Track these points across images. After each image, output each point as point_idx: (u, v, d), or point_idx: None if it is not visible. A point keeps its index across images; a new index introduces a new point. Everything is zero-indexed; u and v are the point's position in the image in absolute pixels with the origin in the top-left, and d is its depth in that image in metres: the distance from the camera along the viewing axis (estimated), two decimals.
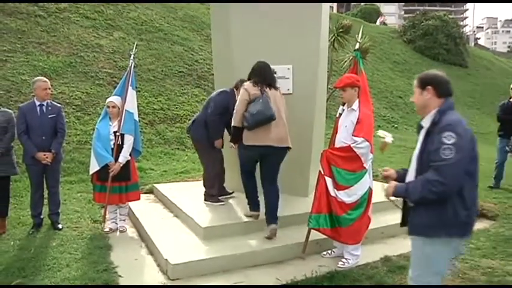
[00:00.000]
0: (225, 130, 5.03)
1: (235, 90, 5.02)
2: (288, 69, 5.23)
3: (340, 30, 10.32)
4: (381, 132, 4.02)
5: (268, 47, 5.20)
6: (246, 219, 4.60)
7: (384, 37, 24.86)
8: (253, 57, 5.26)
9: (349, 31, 10.42)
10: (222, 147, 5.09)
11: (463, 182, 2.29)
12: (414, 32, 25.54)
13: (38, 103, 4.82)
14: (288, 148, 4.35)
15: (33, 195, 4.88)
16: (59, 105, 5.08)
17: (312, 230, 4.04)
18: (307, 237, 4.10)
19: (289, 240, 4.26)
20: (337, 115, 4.25)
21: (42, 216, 4.95)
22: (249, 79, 4.44)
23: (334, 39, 10.14)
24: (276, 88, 4.42)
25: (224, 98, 5.01)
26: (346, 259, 3.99)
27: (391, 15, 64.51)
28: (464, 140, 2.27)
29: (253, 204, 4.57)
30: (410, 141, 12.72)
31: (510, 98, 7.14)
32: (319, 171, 4.05)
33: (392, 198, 2.55)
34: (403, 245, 4.46)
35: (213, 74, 8.05)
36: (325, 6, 5.59)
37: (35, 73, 8.79)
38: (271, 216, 4.29)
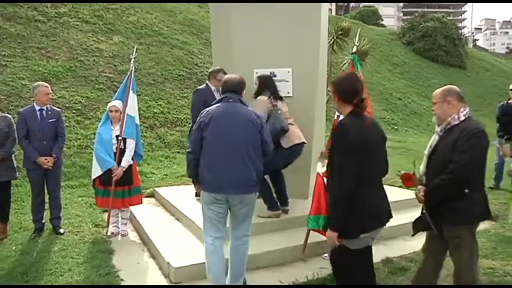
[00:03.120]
0: None
1: (208, 83, 5.33)
2: (288, 72, 5.25)
3: (339, 32, 10.34)
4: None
5: (268, 50, 5.23)
6: None
7: (383, 39, 24.89)
8: (253, 60, 5.28)
9: (348, 33, 10.43)
10: None
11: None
12: (413, 33, 25.58)
13: (38, 108, 4.82)
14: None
15: (35, 199, 4.89)
16: (58, 109, 5.10)
17: (312, 231, 4.05)
18: (307, 238, 4.12)
19: (290, 242, 4.27)
20: (335, 117, 4.27)
21: (43, 221, 4.96)
22: (259, 93, 4.69)
23: (333, 42, 10.16)
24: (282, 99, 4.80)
25: (197, 97, 5.26)
26: None
27: (390, 17, 64.74)
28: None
29: (284, 200, 4.85)
30: (409, 143, 12.75)
31: (509, 99, 7.15)
32: (317, 172, 4.06)
33: None
34: (403, 246, 4.49)
35: None
36: (325, 8, 5.62)
37: (35, 78, 8.81)
38: (286, 198, 4.87)
